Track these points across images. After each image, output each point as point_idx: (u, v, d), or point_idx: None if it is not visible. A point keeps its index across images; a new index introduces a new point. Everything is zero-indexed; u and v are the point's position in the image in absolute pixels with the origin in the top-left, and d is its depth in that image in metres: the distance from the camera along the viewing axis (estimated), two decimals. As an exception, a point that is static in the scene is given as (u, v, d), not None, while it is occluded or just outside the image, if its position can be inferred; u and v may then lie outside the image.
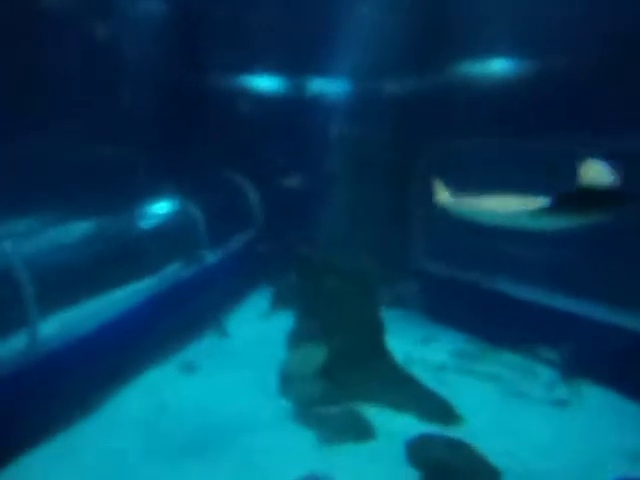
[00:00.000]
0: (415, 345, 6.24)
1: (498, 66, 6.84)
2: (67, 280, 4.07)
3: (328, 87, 9.06)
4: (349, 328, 4.86)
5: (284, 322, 6.42)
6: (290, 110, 9.01)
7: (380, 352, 4.97)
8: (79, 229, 4.55)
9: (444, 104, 7.19)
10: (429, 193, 5.92)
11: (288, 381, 4.87)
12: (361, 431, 4.28)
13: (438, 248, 7.66)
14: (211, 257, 6.50)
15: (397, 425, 4.44)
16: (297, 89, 9.25)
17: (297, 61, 8.83)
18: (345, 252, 5.71)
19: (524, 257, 6.27)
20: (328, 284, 5.00)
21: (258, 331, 6.83)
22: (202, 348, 6.07)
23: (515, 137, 6.30)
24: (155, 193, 6.28)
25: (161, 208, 6.13)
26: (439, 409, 4.57)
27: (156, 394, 4.84)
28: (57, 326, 3.94)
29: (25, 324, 3.60)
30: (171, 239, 5.93)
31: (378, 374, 4.79)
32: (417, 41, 7.05)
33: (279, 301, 7.55)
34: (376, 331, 5.04)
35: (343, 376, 4.71)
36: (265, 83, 9.29)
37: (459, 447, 3.86)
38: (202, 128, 8.30)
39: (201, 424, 4.37)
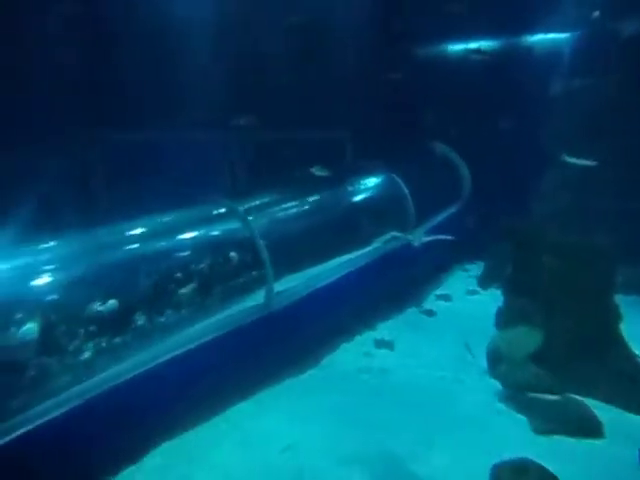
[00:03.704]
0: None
1: None
2: (293, 248, 4.65)
3: (548, 39, 8.02)
4: (575, 311, 4.34)
5: (492, 299, 6.13)
6: (505, 72, 8.27)
7: (613, 341, 4.34)
8: (302, 204, 5.10)
9: None
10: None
11: (498, 361, 4.65)
12: (584, 426, 3.83)
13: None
14: (418, 232, 6.55)
15: (631, 426, 3.87)
16: (511, 48, 8.42)
17: (509, 17, 7.99)
18: (568, 226, 5.09)
19: None
20: (549, 262, 4.54)
21: (463, 307, 6.67)
22: (406, 321, 6.18)
23: None
24: (364, 169, 6.58)
25: (371, 183, 6.39)
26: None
27: (364, 357, 5.18)
28: (286, 287, 4.55)
29: (263, 284, 4.25)
30: (380, 213, 6.16)
31: (609, 365, 4.20)
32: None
33: (487, 277, 7.22)
34: (608, 316, 4.40)
35: (564, 363, 4.27)
36: (474, 47, 8.72)
37: None
38: (407, 99, 8.25)
39: (409, 388, 4.53)
